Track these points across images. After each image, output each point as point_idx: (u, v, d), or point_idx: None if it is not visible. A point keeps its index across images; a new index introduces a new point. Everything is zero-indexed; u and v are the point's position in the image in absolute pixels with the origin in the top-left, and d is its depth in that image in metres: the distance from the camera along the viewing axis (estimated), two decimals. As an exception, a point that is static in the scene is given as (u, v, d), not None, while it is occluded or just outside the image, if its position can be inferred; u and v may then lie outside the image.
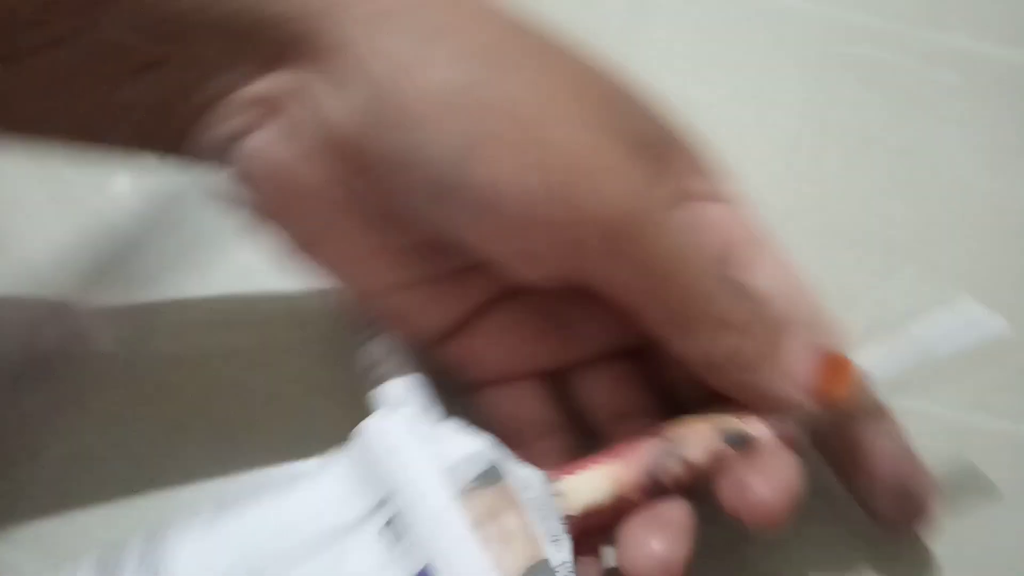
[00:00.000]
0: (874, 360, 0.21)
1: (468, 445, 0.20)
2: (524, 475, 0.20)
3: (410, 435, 0.20)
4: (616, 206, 0.19)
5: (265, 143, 0.20)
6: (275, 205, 0.21)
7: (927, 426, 0.23)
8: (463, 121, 0.19)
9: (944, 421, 0.25)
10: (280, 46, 0.19)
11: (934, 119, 0.30)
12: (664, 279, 0.20)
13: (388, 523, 0.19)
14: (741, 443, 0.20)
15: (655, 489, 0.20)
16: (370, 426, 0.20)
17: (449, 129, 0.18)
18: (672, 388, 0.22)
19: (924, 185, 0.29)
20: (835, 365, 0.20)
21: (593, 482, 0.20)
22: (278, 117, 0.20)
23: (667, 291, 0.20)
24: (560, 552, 0.19)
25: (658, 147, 0.21)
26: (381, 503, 0.19)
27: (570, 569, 0.19)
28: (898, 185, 0.29)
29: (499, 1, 0.20)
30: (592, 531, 0.20)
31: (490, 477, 0.20)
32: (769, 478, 0.19)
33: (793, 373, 0.20)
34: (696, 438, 0.20)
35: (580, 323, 0.22)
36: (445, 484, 0.19)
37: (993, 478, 0.24)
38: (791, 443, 0.20)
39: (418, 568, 0.18)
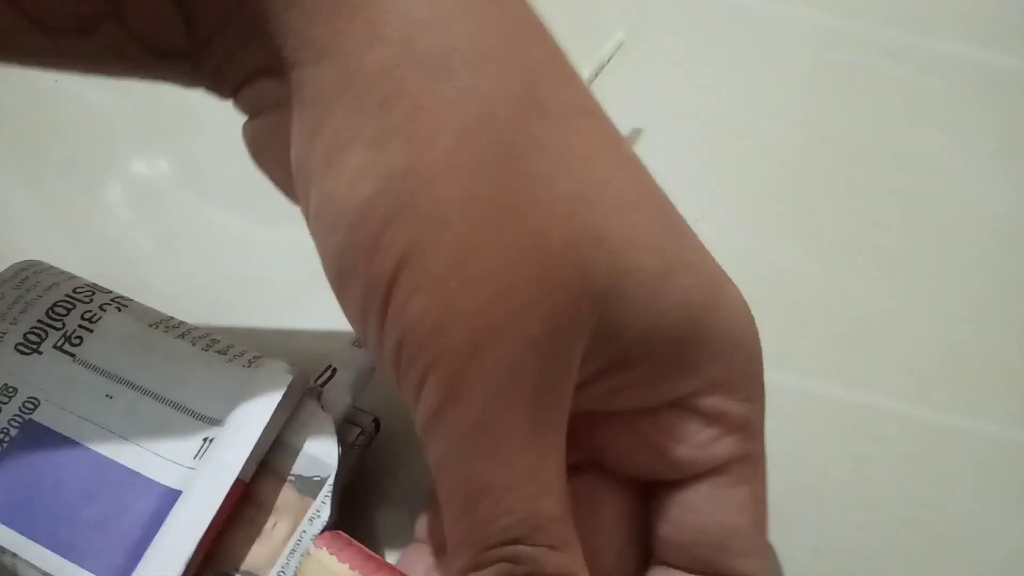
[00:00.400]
0: None
1: (326, 452, 0.21)
2: (324, 513, 0.20)
3: (283, 402, 0.21)
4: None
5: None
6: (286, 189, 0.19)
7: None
8: None
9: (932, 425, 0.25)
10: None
11: (922, 124, 0.30)
12: None
13: (207, 440, 0.21)
14: None
15: None
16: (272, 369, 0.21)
17: None
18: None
19: (912, 190, 0.29)
20: None
21: (326, 571, 0.19)
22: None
23: None
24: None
25: None
26: (215, 422, 0.21)
27: None
28: (886, 190, 0.29)
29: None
30: None
31: (307, 487, 0.20)
32: None
33: None
34: None
35: None
36: (254, 457, 0.20)
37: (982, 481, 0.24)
38: None
39: (181, 487, 0.20)
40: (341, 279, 0.17)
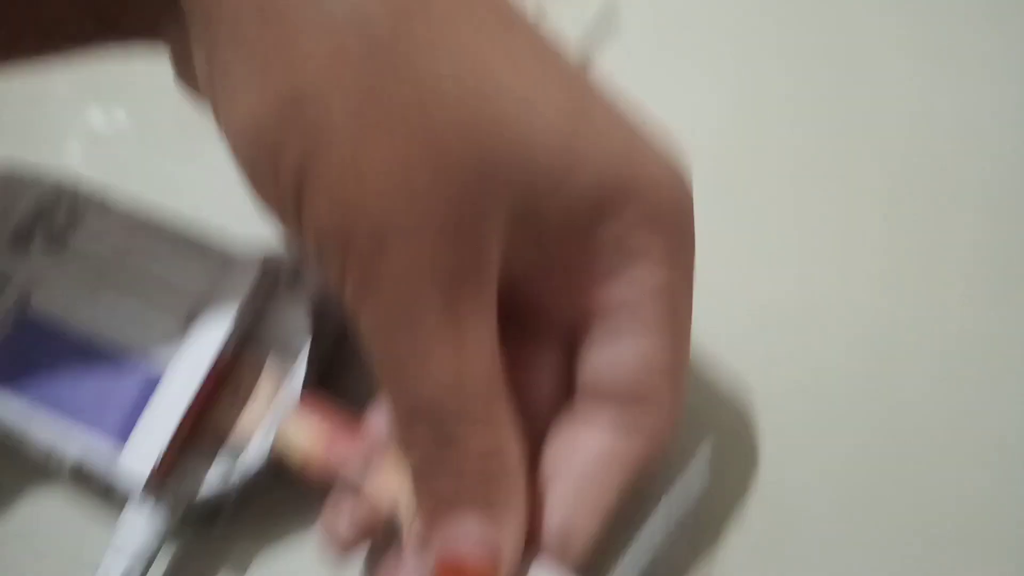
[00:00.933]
0: None
1: (299, 327, 0.22)
2: (298, 383, 0.22)
3: (258, 283, 0.22)
4: None
5: None
6: None
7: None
8: None
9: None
10: None
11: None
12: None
13: (188, 320, 0.22)
14: (391, 530, 0.20)
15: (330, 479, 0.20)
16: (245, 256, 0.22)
17: None
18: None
19: (852, 91, 0.29)
20: (468, 569, 0.18)
21: (296, 439, 0.21)
22: None
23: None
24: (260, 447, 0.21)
25: None
26: (196, 305, 0.22)
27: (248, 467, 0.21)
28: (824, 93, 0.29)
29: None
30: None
31: (284, 359, 0.22)
32: None
33: (431, 542, 0.18)
34: (382, 485, 0.20)
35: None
36: (232, 337, 0.21)
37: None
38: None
39: (166, 364, 0.22)
40: (256, 196, 0.18)
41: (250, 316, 0.22)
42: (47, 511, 0.24)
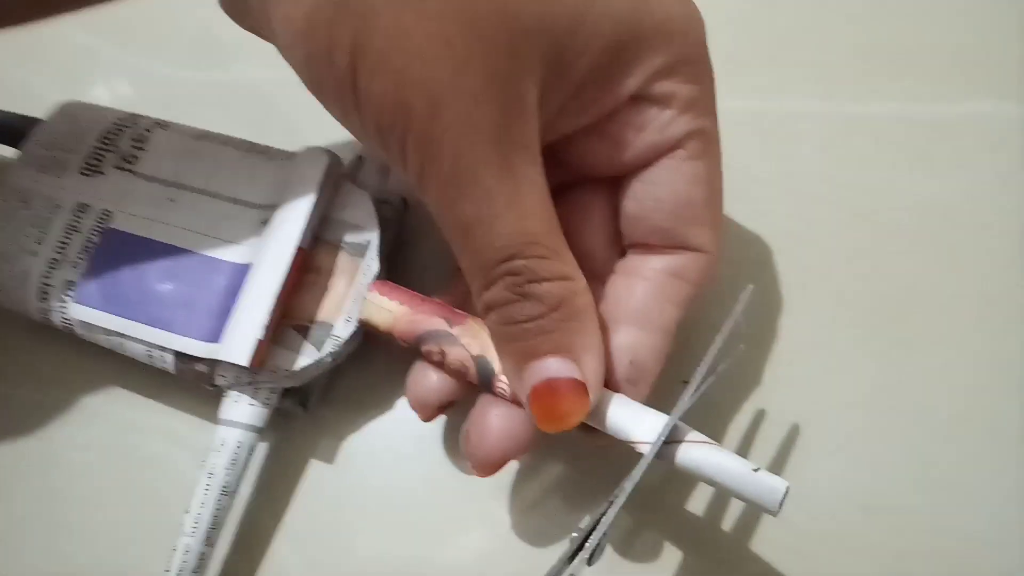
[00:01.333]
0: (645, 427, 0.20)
1: (366, 218, 0.24)
2: (373, 267, 0.23)
3: (325, 178, 0.24)
4: None
5: None
6: None
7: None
8: None
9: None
10: None
11: None
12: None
13: (264, 221, 0.24)
14: (486, 375, 0.21)
15: (417, 348, 0.22)
16: (310, 153, 0.24)
17: None
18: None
19: None
20: (561, 397, 0.19)
21: (381, 309, 0.22)
22: None
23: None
24: (345, 328, 0.23)
25: None
26: (270, 207, 0.24)
27: (338, 344, 0.23)
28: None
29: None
30: (377, 337, 0.23)
31: (356, 250, 0.24)
32: (491, 429, 0.21)
33: (524, 387, 0.20)
34: (470, 342, 0.21)
35: None
36: (309, 227, 0.23)
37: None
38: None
39: (249, 262, 0.23)
40: (315, 87, 0.19)
41: (323, 207, 0.24)
42: (157, 404, 0.26)
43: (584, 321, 0.20)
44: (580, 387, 0.19)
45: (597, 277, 0.22)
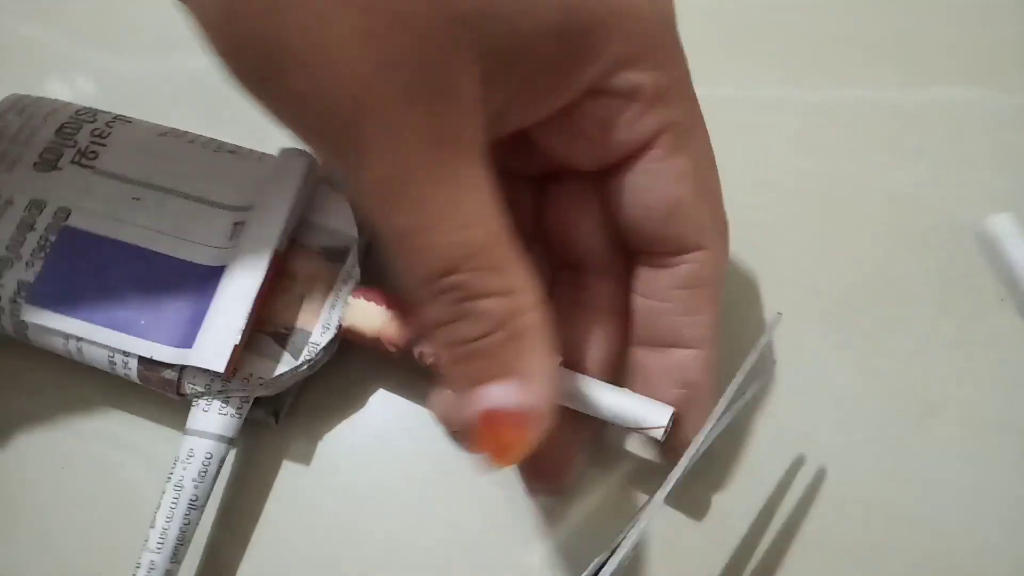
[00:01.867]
0: None
1: (345, 222, 0.23)
2: (354, 273, 0.23)
3: (303, 181, 0.23)
4: None
5: None
6: None
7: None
8: None
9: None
10: None
11: None
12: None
13: (238, 224, 0.23)
14: None
15: (407, 352, 0.22)
16: (288, 155, 0.23)
17: None
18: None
19: None
20: (501, 429, 0.18)
21: (366, 315, 0.22)
22: None
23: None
24: (323, 335, 0.23)
25: None
26: (244, 208, 0.23)
27: (315, 351, 0.22)
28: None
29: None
30: (360, 343, 0.23)
31: (334, 255, 0.23)
32: None
33: (464, 418, 0.18)
34: None
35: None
36: (285, 232, 0.22)
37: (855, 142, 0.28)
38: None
39: (222, 264, 0.22)
40: (243, 89, 0.17)
41: (298, 217, 0.23)
42: (118, 413, 0.25)
43: (531, 340, 0.18)
44: (522, 418, 0.17)
45: (602, 274, 0.22)
